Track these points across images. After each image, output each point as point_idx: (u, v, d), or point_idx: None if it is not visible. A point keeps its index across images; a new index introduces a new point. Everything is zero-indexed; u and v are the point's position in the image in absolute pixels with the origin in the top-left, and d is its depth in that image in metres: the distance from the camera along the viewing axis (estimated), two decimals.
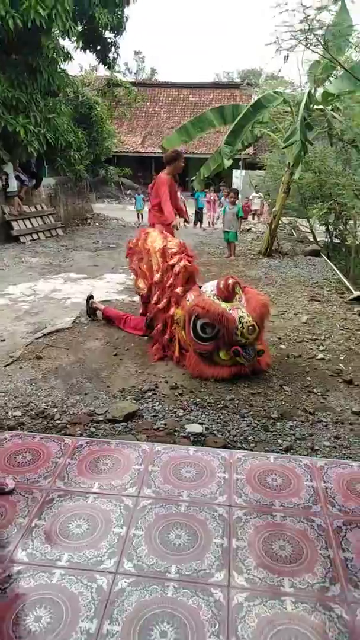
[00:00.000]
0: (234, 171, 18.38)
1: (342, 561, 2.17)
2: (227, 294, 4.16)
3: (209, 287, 4.30)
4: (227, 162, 8.14)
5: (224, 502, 2.52)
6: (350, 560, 2.18)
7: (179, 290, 4.45)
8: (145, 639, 1.79)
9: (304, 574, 2.11)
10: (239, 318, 3.99)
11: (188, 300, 4.30)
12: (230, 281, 4.18)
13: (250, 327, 3.99)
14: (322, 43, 6.16)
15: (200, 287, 4.41)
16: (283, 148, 7.97)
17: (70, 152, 12.47)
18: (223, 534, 2.30)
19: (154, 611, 1.90)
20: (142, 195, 16.06)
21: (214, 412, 3.53)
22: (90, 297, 5.52)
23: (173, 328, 4.45)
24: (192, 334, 4.07)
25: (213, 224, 15.05)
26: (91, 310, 5.41)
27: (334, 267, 8.46)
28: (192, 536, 2.28)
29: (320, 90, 8.19)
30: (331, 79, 8.31)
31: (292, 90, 10.08)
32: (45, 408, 3.52)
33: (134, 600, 1.95)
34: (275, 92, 8.60)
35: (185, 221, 6.02)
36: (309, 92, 7.74)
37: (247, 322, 3.99)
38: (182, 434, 3.23)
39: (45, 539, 2.25)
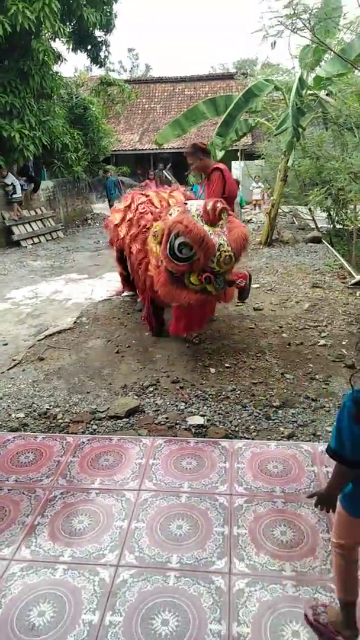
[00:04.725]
0: (232, 162, 18.23)
1: None
2: (213, 218, 3.98)
3: (194, 206, 4.05)
4: (220, 154, 8.07)
5: (224, 491, 2.54)
6: None
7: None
8: (148, 628, 1.82)
9: (305, 557, 2.12)
10: (219, 245, 3.89)
11: (170, 214, 4.14)
12: (219, 205, 3.98)
13: (227, 257, 3.90)
14: (308, 27, 6.05)
15: (185, 203, 4.20)
16: (275, 135, 7.88)
17: (67, 154, 12.50)
18: (224, 523, 2.31)
19: (156, 601, 1.92)
20: None
21: (215, 403, 3.54)
22: None
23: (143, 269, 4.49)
24: (167, 250, 3.88)
25: None
26: None
27: (336, 253, 8.39)
28: (193, 526, 2.30)
29: (312, 74, 8.10)
30: (322, 62, 8.20)
31: (287, 76, 9.97)
32: (47, 408, 3.55)
33: (135, 591, 1.97)
34: (266, 80, 8.52)
35: None
36: (300, 77, 7.64)
37: (225, 251, 3.89)
38: (183, 427, 3.25)
39: (48, 536, 2.28)
